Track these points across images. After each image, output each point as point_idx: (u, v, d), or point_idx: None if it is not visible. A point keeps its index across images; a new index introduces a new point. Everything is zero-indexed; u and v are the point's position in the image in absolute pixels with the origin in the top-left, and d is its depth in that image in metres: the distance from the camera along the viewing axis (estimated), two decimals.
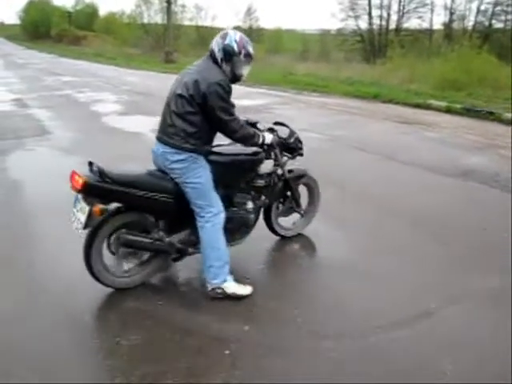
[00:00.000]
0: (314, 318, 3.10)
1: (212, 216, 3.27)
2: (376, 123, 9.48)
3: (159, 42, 35.11)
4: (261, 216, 3.90)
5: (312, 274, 3.75)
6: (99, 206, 3.15)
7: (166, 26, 32.15)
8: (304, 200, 4.26)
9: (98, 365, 2.69)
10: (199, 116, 3.17)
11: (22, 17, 66.68)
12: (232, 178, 3.60)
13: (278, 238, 4.21)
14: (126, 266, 3.39)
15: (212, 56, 3.26)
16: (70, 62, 28.99)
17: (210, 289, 3.30)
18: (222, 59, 3.22)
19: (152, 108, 11.14)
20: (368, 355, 2.75)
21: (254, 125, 3.69)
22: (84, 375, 2.61)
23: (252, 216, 3.71)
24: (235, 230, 3.61)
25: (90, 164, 3.20)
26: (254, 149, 3.59)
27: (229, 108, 3.20)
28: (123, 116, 10.42)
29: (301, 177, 4.17)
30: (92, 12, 58.70)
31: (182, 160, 3.22)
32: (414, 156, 6.86)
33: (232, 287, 3.31)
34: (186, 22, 43.26)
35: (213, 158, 3.39)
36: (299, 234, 4.27)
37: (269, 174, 3.85)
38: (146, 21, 42.60)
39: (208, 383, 2.52)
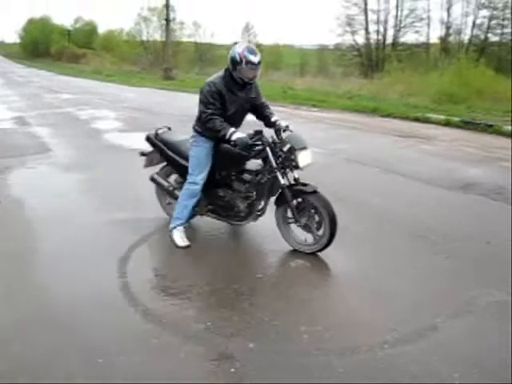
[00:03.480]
0: (321, 334, 3.08)
1: (189, 181, 4.40)
2: (375, 137, 9.51)
3: (158, 58, 35.29)
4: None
5: (318, 290, 3.73)
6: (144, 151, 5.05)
7: (164, 42, 32.33)
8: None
9: None
10: None
11: (22, 35, 67.09)
12: (223, 165, 4.39)
13: (282, 253, 4.21)
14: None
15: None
16: (69, 80, 29.13)
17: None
18: (231, 68, 4.13)
19: (152, 124, 11.08)
20: (375, 370, 2.73)
21: (259, 132, 4.19)
22: None
23: (238, 203, 4.42)
24: (225, 207, 4.51)
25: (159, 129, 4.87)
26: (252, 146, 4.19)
27: (204, 101, 4.15)
28: (124, 133, 10.43)
29: (304, 193, 4.16)
30: (91, 30, 59.03)
31: (192, 137, 4.41)
32: (413, 169, 6.87)
33: (175, 236, 4.43)
34: (185, 39, 43.57)
35: (219, 145, 4.29)
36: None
37: (258, 172, 4.29)
38: (144, 38, 42.89)
39: None
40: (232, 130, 4.13)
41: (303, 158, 4.15)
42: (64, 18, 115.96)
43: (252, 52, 4.11)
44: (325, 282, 3.90)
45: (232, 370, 2.74)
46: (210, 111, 4.12)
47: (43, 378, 2.69)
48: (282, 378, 2.68)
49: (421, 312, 3.31)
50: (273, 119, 4.49)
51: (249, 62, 4.07)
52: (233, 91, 4.21)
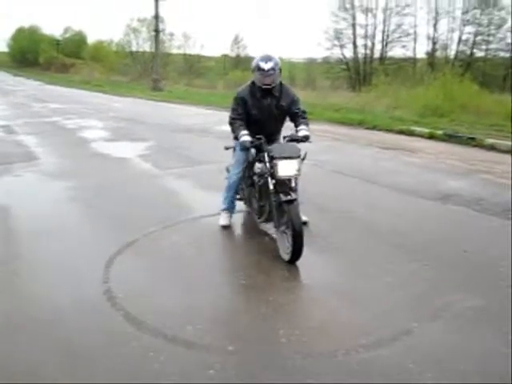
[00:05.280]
0: (299, 338, 3.14)
1: (228, 176, 5.18)
2: (360, 149, 9.65)
3: (147, 69, 35.42)
4: None
5: (296, 296, 3.80)
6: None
7: (153, 53, 32.47)
8: None
9: None
10: None
11: (11, 44, 66.90)
12: (248, 166, 4.97)
13: (262, 260, 4.29)
14: None
15: None
16: (57, 90, 29.15)
17: None
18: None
19: (138, 134, 11.27)
20: (351, 372, 2.80)
21: (259, 139, 4.53)
22: None
23: (253, 201, 4.95)
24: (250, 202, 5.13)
25: None
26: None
27: (231, 107, 4.76)
28: (110, 142, 10.49)
29: (281, 200, 4.21)
30: (80, 40, 59.05)
31: None
32: (395, 180, 6.99)
33: (220, 217, 5.12)
34: (175, 50, 43.77)
35: None
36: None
37: (259, 175, 4.65)
38: (134, 49, 43.02)
39: None
40: (243, 132, 4.56)
41: (283, 168, 4.22)
42: (53, 28, 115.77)
43: (264, 59, 4.49)
44: (303, 288, 3.97)
45: (211, 371, 2.79)
46: (232, 115, 4.73)
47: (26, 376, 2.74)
48: (259, 380, 2.74)
49: (396, 317, 3.39)
50: (299, 128, 4.69)
51: (260, 69, 4.47)
52: (256, 97, 4.65)
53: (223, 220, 5.10)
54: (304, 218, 4.76)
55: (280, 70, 4.61)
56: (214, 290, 3.79)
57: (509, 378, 2.61)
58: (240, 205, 5.33)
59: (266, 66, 4.45)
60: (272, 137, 4.75)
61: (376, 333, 3.18)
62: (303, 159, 4.41)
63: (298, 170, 4.30)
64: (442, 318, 3.39)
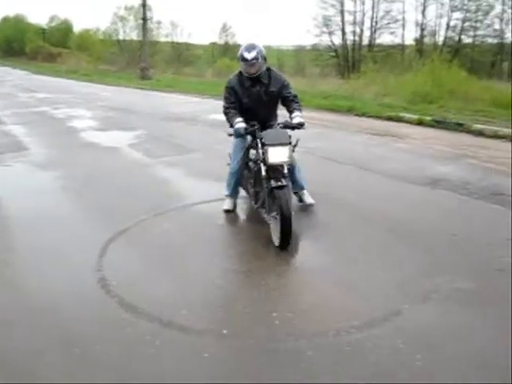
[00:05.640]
0: (291, 320, 3.21)
1: (229, 163, 5.19)
2: (349, 135, 9.70)
3: (134, 58, 35.13)
4: None
5: (288, 279, 3.87)
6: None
7: (141, 42, 32.21)
8: None
9: None
10: None
11: None
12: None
13: (254, 245, 4.33)
14: None
15: None
16: (44, 79, 28.89)
17: None
18: None
19: (127, 123, 11.25)
20: (342, 352, 2.87)
21: (252, 125, 4.60)
22: None
23: (249, 187, 5.06)
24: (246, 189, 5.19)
25: None
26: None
27: (223, 96, 4.84)
28: (99, 131, 10.46)
29: (272, 186, 4.28)
30: (66, 29, 58.30)
31: None
32: (384, 166, 7.05)
33: (224, 202, 5.21)
34: (162, 39, 43.44)
35: None
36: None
37: (254, 161, 4.75)
38: (121, 37, 42.62)
39: None
40: (237, 120, 4.63)
41: (273, 155, 4.26)
42: (39, 17, 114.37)
43: (247, 49, 4.54)
44: (296, 272, 4.03)
45: (206, 355, 2.84)
46: (226, 105, 4.80)
47: (23, 367, 2.78)
48: (253, 362, 2.80)
49: (387, 299, 3.46)
50: (293, 115, 4.72)
51: (243, 59, 4.54)
52: (245, 86, 4.72)
53: (226, 205, 5.20)
54: (310, 201, 5.16)
55: (264, 57, 4.65)
56: (207, 275, 3.84)
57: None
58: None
59: (250, 55, 4.51)
60: (267, 123, 4.79)
61: (367, 314, 3.25)
62: (295, 146, 4.46)
63: (290, 157, 4.35)
64: (431, 299, 3.47)
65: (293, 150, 4.45)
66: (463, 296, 3.51)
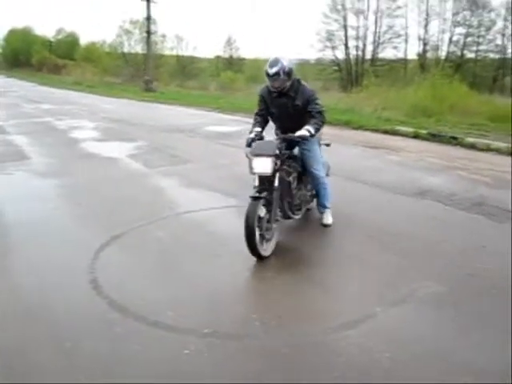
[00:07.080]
0: (270, 321, 3.38)
1: None
2: (344, 148, 9.84)
3: (139, 71, 35.51)
4: None
5: (271, 284, 4.02)
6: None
7: (146, 55, 32.60)
8: None
9: None
10: None
11: (3, 45, 66.89)
12: None
13: (240, 252, 4.49)
14: None
15: None
16: (49, 91, 29.26)
17: None
18: None
19: (128, 134, 11.46)
20: (318, 351, 3.05)
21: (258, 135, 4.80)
22: None
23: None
24: None
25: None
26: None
27: (257, 102, 5.04)
28: (100, 142, 10.68)
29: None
30: (73, 41, 59.03)
31: None
32: (376, 177, 7.22)
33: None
34: (167, 52, 43.91)
35: None
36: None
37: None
38: (126, 50, 43.08)
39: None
40: (253, 129, 4.88)
41: (256, 165, 4.37)
42: (46, 29, 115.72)
43: (271, 64, 4.64)
44: (276, 275, 4.15)
45: (186, 351, 3.02)
46: (256, 111, 5.07)
47: (16, 361, 2.97)
48: (230, 358, 2.98)
49: (363, 302, 3.63)
50: (302, 128, 4.67)
51: (266, 73, 4.68)
52: (272, 96, 4.88)
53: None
54: (329, 221, 5.24)
55: (288, 73, 4.65)
56: (195, 279, 4.02)
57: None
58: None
59: (271, 70, 4.62)
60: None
61: (343, 316, 3.42)
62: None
63: (273, 169, 4.36)
64: (405, 302, 3.63)
65: (275, 163, 4.39)
66: (435, 299, 3.68)
